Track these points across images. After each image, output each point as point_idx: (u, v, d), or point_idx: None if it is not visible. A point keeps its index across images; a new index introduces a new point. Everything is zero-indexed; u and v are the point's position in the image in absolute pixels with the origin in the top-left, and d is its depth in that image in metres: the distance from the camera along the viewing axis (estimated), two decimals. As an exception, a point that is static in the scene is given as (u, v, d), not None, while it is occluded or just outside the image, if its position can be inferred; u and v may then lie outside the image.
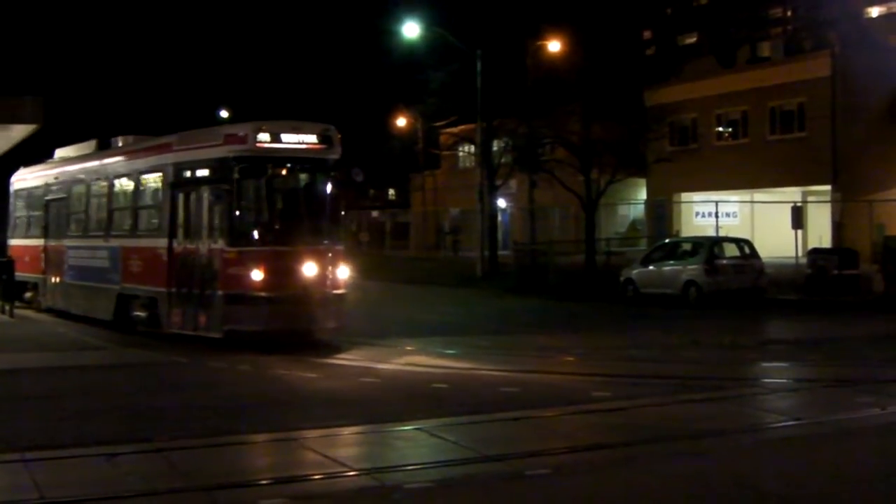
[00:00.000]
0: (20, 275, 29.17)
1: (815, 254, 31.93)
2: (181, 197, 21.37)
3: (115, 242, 24.08)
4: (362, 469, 10.38)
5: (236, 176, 19.97)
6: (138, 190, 23.55)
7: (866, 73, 45.46)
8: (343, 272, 20.64)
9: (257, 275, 19.50)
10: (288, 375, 17.06)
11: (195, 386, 16.30)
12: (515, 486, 9.78)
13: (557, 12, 46.45)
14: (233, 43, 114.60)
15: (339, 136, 20.91)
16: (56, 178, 28.51)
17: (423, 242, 72.12)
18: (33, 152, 31.84)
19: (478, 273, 44.88)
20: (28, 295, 29.57)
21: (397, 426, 12.62)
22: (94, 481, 9.82)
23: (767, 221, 45.35)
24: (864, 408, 13.43)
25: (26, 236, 30.68)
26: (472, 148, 51.94)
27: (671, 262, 32.79)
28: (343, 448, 11.66)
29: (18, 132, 26.33)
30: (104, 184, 25.42)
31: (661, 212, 53.35)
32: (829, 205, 43.47)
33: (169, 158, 21.93)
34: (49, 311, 27.86)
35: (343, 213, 22.13)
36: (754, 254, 32.27)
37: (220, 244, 20.05)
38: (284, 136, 20.37)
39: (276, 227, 20.43)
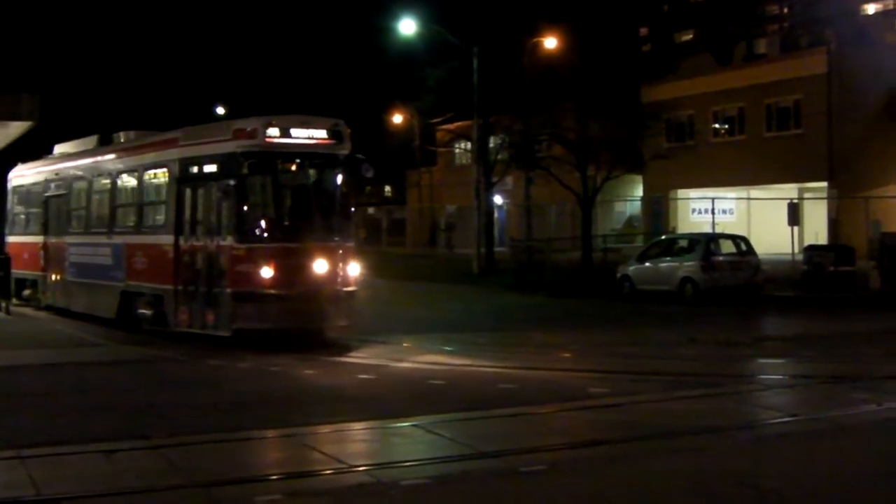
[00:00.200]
0: (19, 272, 29.03)
1: (811, 250, 31.93)
2: (188, 193, 21.03)
3: (118, 239, 23.76)
4: (359, 465, 10.38)
5: (245, 171, 19.65)
6: (143, 186, 23.24)
7: (862, 70, 45.51)
8: (354, 269, 20.37)
9: (267, 272, 19.22)
10: (285, 373, 17.04)
11: (193, 383, 16.29)
12: (511, 482, 9.78)
13: (554, 9, 46.51)
14: (229, 39, 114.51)
15: (349, 130, 20.62)
16: (56, 174, 28.14)
17: (420, 239, 72.13)
18: (28, 149, 31.72)
19: (475, 270, 44.90)
20: (27, 292, 29.29)
21: (394, 423, 12.62)
22: (91, 478, 9.80)
23: (764, 218, 45.42)
24: (860, 404, 13.44)
25: (25, 233, 30.30)
26: (469, 145, 51.98)
27: (667, 258, 32.80)
28: (340, 444, 11.65)
29: (15, 129, 26.28)
30: (107, 180, 25.10)
31: (658, 208, 53.39)
32: (825, 201, 43.49)
33: (175, 154, 21.60)
34: (48, 308, 27.58)
35: (353, 209, 21.71)
36: (751, 250, 32.29)
37: (228, 241, 19.71)
38: (294, 131, 20.08)
39: (286, 223, 20.21)
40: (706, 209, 42.99)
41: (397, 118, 67.14)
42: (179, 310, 20.68)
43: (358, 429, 12.47)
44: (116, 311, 23.31)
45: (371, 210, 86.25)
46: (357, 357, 19.04)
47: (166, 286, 21.11)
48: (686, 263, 31.55)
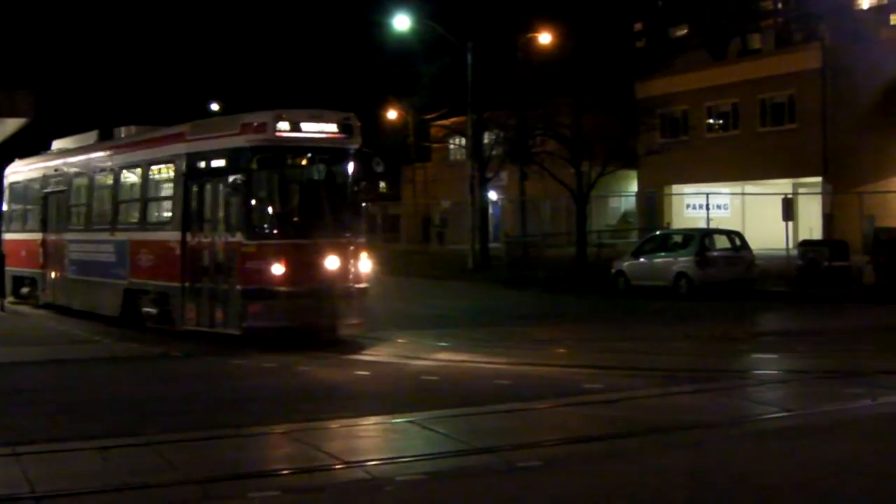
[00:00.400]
0: (16, 269, 28.75)
1: (805, 246, 31.96)
2: (195, 188, 20.57)
3: (122, 236, 23.27)
4: (354, 462, 10.38)
5: (255, 166, 19.37)
6: (148, 181, 22.71)
7: (857, 65, 45.59)
8: (365, 265, 20.07)
9: (278, 269, 18.81)
10: (280, 369, 17.01)
11: (188, 380, 16.30)
12: (506, 478, 9.79)
13: (548, 4, 46.51)
14: (222, 34, 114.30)
15: (360, 124, 20.37)
16: (56, 169, 27.57)
17: (415, 235, 72.15)
18: (22, 145, 31.58)
19: (469, 265, 44.94)
20: (24, 290, 28.90)
21: (389, 419, 12.65)
22: (85, 475, 9.79)
23: (758, 213, 45.46)
24: (855, 399, 13.45)
25: (23, 230, 29.69)
26: (463, 140, 51.97)
27: (662, 254, 32.84)
28: (335, 441, 11.63)
29: (10, 126, 26.18)
30: (110, 175, 24.61)
31: (652, 204, 53.41)
32: (819, 197, 43.52)
33: (182, 149, 21.10)
34: (48, 306, 27.13)
35: (364, 204, 21.41)
36: (745, 246, 32.34)
37: (238, 237, 19.34)
38: (304, 125, 19.71)
39: (297, 219, 19.96)
40: (700, 204, 42.96)
41: (392, 114, 67.17)
42: (187, 308, 20.30)
43: (353, 425, 12.44)
44: (120, 309, 22.93)
45: (365, 205, 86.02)
46: (351, 353, 18.98)
47: (173, 284, 20.72)
48: (681, 259, 31.57)
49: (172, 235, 20.93)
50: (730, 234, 33.20)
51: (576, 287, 34.84)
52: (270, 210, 19.78)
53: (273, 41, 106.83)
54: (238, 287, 19.17)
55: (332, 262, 19.27)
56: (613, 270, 33.84)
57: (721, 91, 50.71)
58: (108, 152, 25.28)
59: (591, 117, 43.30)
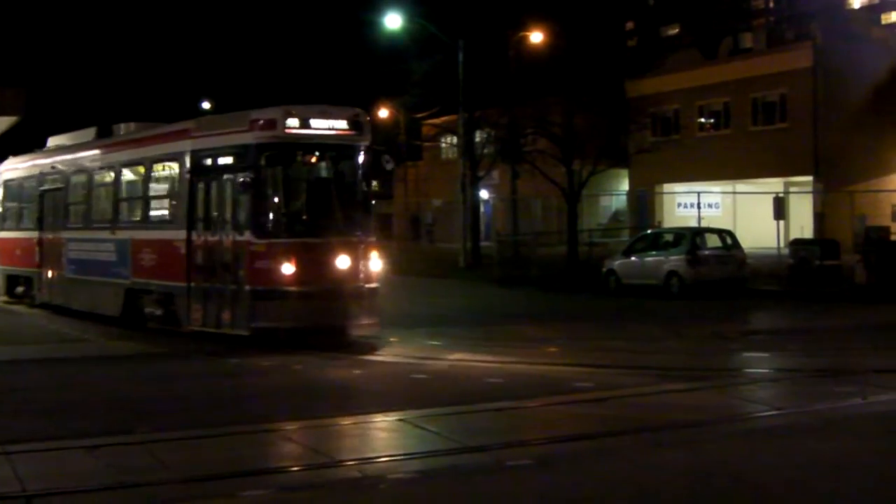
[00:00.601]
0: (10, 268, 28.47)
1: (796, 244, 32.00)
2: (201, 186, 20.11)
3: (123, 234, 22.80)
4: (346, 460, 10.37)
5: (263, 163, 18.96)
6: (151, 179, 22.29)
7: (848, 65, 45.64)
8: (376, 265, 19.73)
9: (288, 268, 18.44)
10: (272, 368, 17.00)
11: (180, 379, 16.25)
12: (497, 477, 9.79)
13: (540, 3, 46.47)
14: (214, 34, 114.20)
15: (369, 120, 20.14)
16: (52, 167, 27.01)
17: (407, 234, 72.13)
18: (14, 143, 31.43)
19: (461, 264, 44.94)
20: (20, 290, 28.49)
21: (380, 417, 12.63)
22: (76, 473, 9.78)
23: (749, 212, 45.55)
24: (845, 397, 13.47)
25: (17, 228, 29.18)
26: (455, 139, 51.93)
27: (653, 252, 32.85)
28: (326, 439, 11.63)
29: (1, 124, 26.05)
30: (110, 172, 24.15)
31: (644, 203, 53.49)
32: (810, 196, 43.62)
33: (187, 145, 20.61)
34: (44, 306, 26.73)
35: (374, 202, 21.01)
36: (736, 244, 32.37)
37: (246, 236, 18.92)
38: (314, 122, 19.31)
39: (307, 217, 19.67)
40: (692, 203, 42.98)
41: (383, 113, 66.99)
42: (192, 308, 19.90)
43: (344, 423, 12.44)
44: (121, 309, 22.56)
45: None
46: (345, 352, 18.92)
47: (178, 283, 20.31)
48: (672, 258, 31.59)
49: (177, 234, 20.52)
50: (721, 232, 33.22)
51: (567, 286, 34.86)
52: (280, 208, 19.41)
53: (264, 40, 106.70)
54: (247, 287, 18.79)
55: (342, 262, 18.94)
56: (604, 269, 33.85)
57: (712, 90, 50.75)
58: (107, 149, 24.81)
59: (582, 116, 43.31)
